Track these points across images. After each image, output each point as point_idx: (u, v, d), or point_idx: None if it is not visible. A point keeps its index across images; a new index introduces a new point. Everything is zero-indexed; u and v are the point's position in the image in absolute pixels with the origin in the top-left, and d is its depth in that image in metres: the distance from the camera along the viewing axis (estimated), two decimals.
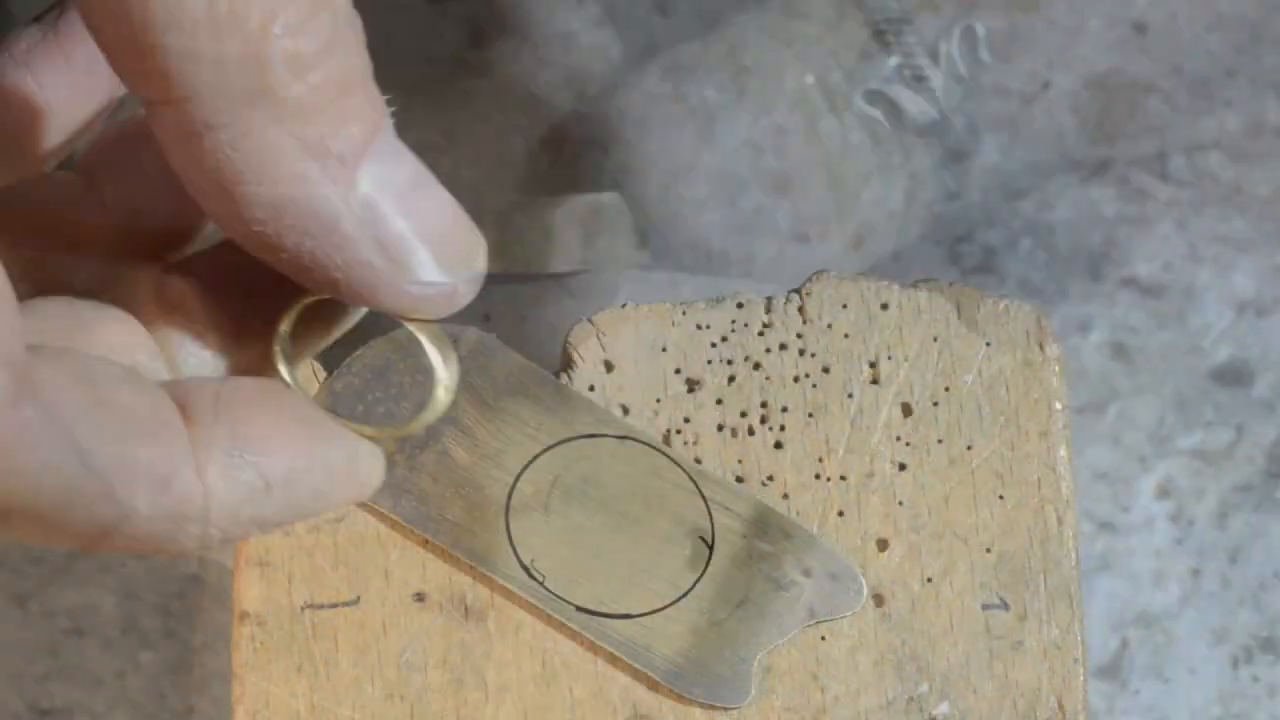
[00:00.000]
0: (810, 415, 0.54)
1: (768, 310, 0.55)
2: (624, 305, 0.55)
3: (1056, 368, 0.55)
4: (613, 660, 0.53)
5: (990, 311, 0.55)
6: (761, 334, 0.55)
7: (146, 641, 0.81)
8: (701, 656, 0.52)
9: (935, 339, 0.55)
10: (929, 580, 0.53)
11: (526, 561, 0.53)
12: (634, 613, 0.53)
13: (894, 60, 0.88)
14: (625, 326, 0.55)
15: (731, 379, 0.55)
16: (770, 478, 0.54)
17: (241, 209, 0.34)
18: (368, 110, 0.34)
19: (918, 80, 0.88)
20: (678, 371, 0.55)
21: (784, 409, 0.54)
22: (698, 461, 0.54)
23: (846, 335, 0.55)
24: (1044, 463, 0.54)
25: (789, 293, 0.55)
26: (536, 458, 0.53)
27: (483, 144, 0.88)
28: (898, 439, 0.54)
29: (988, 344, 0.55)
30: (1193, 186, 0.87)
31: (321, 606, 0.53)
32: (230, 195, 0.33)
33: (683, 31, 0.89)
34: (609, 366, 0.55)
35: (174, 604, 0.81)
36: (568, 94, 0.88)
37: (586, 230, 0.85)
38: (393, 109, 0.35)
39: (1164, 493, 0.84)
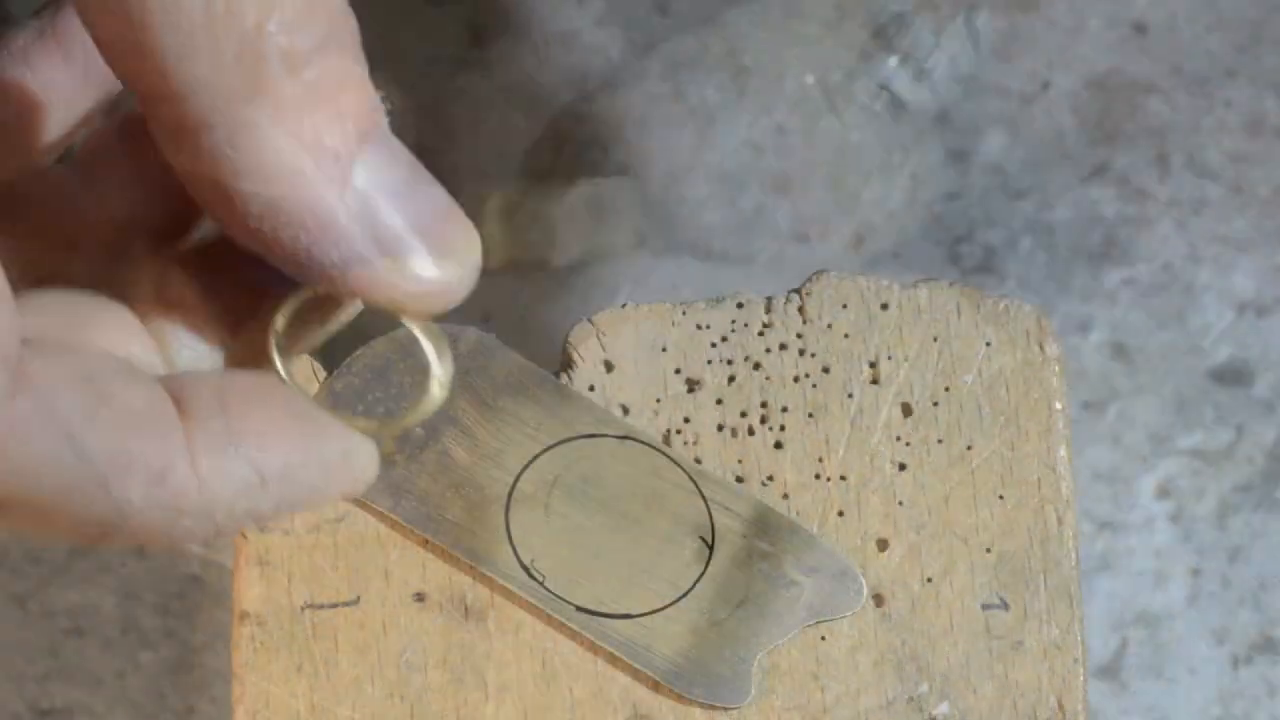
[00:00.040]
0: (810, 415, 0.54)
1: (768, 310, 0.55)
2: (624, 305, 0.55)
3: (1056, 368, 0.55)
4: (613, 660, 0.53)
5: (990, 311, 0.55)
6: (761, 334, 0.55)
7: (146, 641, 0.81)
8: (701, 656, 0.52)
9: (935, 339, 0.55)
10: (929, 580, 0.53)
11: (526, 561, 0.53)
12: (634, 613, 0.53)
13: (894, 60, 0.88)
14: (625, 326, 0.55)
15: (731, 379, 0.55)
16: (770, 478, 0.54)
17: (237, 205, 0.34)
18: (363, 107, 0.34)
19: (918, 80, 0.88)
20: (678, 371, 0.55)
21: (784, 409, 0.54)
22: (698, 461, 0.54)
23: (846, 335, 0.55)
24: (1044, 463, 0.54)
25: (789, 293, 0.55)
26: (536, 458, 0.53)
27: (483, 144, 0.88)
28: (898, 439, 0.54)
29: (988, 344, 0.55)
30: (1193, 186, 0.87)
31: (321, 606, 0.53)
32: (226, 191, 0.34)
33: (683, 31, 0.89)
34: (609, 366, 0.55)
35: (174, 604, 0.81)
36: (568, 94, 0.88)
37: (592, 216, 0.85)
38: (388, 106, 0.35)
39: (1164, 493, 0.84)
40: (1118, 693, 0.82)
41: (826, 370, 0.55)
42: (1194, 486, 0.84)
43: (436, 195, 0.35)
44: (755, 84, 0.88)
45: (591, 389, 0.54)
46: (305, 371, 0.53)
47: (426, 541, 0.53)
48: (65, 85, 0.38)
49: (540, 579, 0.53)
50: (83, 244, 0.37)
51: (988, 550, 0.53)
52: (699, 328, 0.55)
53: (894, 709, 0.53)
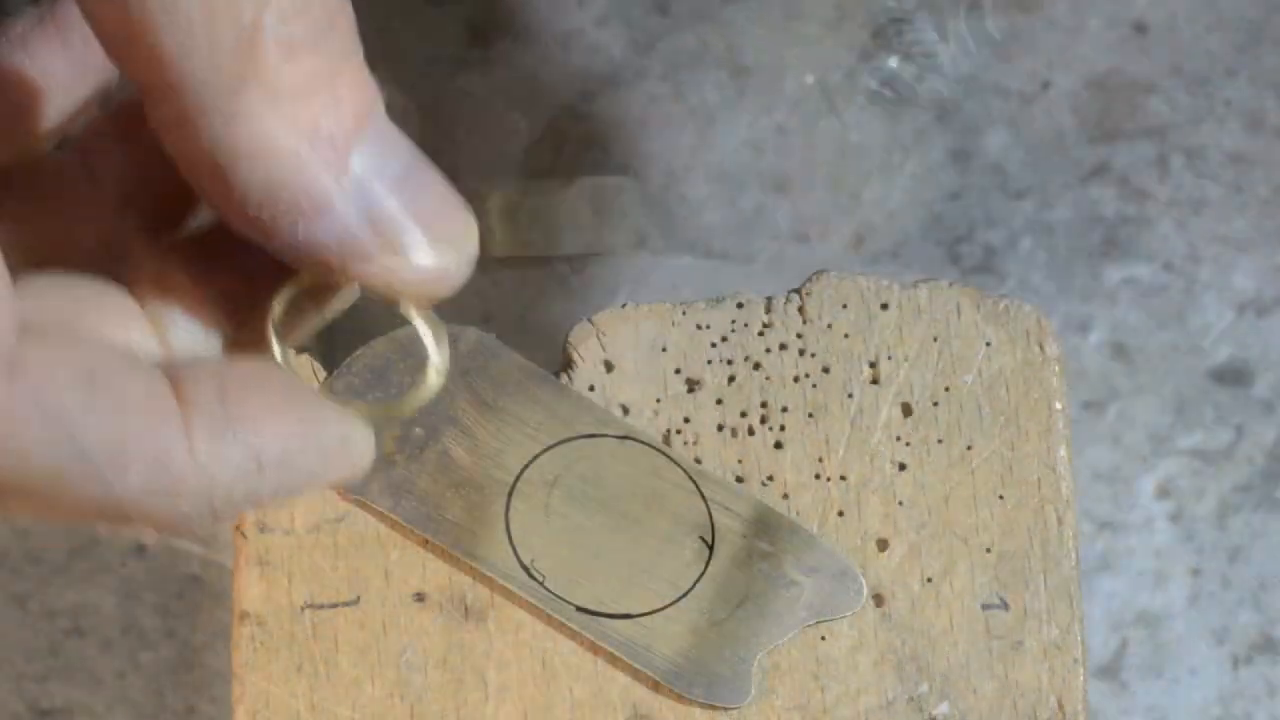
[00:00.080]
0: (810, 415, 0.54)
1: (768, 310, 0.55)
2: (624, 305, 0.55)
3: (1056, 368, 0.55)
4: (613, 660, 0.53)
5: (990, 311, 0.55)
6: (761, 334, 0.55)
7: (146, 641, 0.81)
8: (701, 656, 0.52)
9: (935, 339, 0.55)
10: (929, 580, 0.53)
11: (526, 561, 0.53)
12: (634, 613, 0.53)
13: (894, 60, 0.88)
14: (625, 326, 0.55)
15: (731, 379, 0.55)
16: (770, 478, 0.54)
17: (235, 191, 0.34)
18: (359, 93, 0.34)
19: (918, 80, 0.88)
20: (678, 371, 0.55)
21: (784, 409, 0.54)
22: (698, 461, 0.54)
23: (846, 335, 0.55)
24: (1044, 463, 0.54)
25: (789, 293, 0.55)
26: (536, 458, 0.53)
27: (483, 143, 0.88)
28: (898, 439, 0.54)
29: (988, 344, 0.55)
30: (1193, 186, 0.87)
31: (321, 606, 0.53)
32: (224, 178, 0.34)
33: (683, 31, 0.89)
34: (609, 366, 0.55)
35: (174, 604, 0.81)
36: (568, 93, 0.88)
37: (592, 216, 0.86)
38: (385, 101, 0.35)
39: (1164, 493, 0.84)
40: (1118, 693, 0.82)
41: (826, 370, 0.55)
42: (1194, 486, 0.84)
43: (435, 182, 0.35)
44: (755, 84, 0.88)
45: (591, 389, 0.54)
46: (305, 371, 0.54)
47: (426, 541, 0.53)
48: (63, 73, 0.38)
49: (540, 579, 0.53)
50: (80, 231, 0.37)
51: (988, 550, 0.53)
52: (699, 328, 0.55)
53: (894, 709, 0.53)
